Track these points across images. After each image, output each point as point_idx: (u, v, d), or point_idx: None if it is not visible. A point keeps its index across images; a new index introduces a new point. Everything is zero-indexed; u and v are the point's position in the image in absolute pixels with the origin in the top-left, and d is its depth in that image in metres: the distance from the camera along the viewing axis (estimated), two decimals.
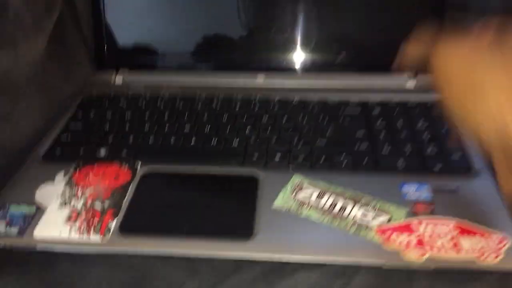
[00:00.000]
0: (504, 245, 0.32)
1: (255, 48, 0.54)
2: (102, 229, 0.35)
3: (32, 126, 0.48)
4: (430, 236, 0.33)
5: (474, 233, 0.33)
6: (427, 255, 0.32)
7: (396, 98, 0.49)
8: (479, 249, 0.32)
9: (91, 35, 0.57)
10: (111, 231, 0.35)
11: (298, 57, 0.54)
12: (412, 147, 0.42)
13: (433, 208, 0.36)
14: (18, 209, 0.38)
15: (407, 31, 0.51)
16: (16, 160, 0.44)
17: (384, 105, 0.48)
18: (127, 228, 0.36)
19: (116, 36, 0.55)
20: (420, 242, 0.33)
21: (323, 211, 0.36)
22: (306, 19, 0.53)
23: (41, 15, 0.51)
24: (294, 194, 0.38)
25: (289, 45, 0.53)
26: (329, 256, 0.33)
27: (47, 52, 0.51)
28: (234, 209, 0.37)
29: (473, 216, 0.34)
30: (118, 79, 0.55)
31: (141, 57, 0.56)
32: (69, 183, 0.40)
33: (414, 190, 0.37)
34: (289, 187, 0.38)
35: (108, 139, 0.45)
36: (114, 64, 0.56)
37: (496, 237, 0.33)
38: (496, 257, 0.32)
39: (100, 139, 0.45)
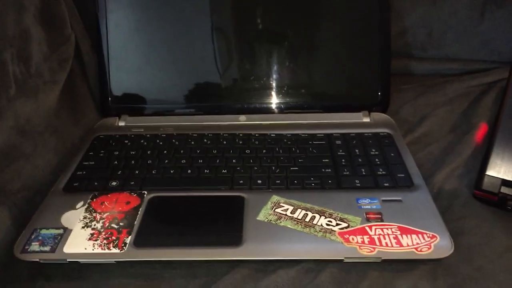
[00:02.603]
0: (434, 241, 0.42)
1: (237, 94, 0.64)
2: (119, 244, 0.44)
3: (49, 165, 0.55)
4: (379, 236, 0.43)
5: (412, 233, 0.43)
6: (376, 250, 0.42)
7: (354, 131, 0.60)
8: (416, 244, 0.42)
9: (96, 86, 0.66)
10: (127, 245, 0.44)
11: (274, 100, 0.64)
12: (366, 169, 0.52)
13: (381, 216, 0.45)
14: (48, 232, 0.45)
15: (362, 78, 0.63)
16: (38, 194, 0.52)
17: (344, 136, 0.58)
18: (140, 242, 0.44)
19: (118, 87, 0.64)
20: (371, 241, 0.42)
21: (296, 221, 0.45)
22: (279, 70, 0.63)
23: (57, 69, 0.59)
24: (273, 209, 0.47)
25: (265, 91, 0.63)
26: (303, 255, 0.43)
27: (60, 100, 0.60)
28: (225, 222, 0.46)
29: (411, 221, 0.44)
30: (121, 123, 0.64)
31: (139, 104, 0.64)
32: (88, 209, 0.48)
33: (367, 203, 0.47)
34: (269, 204, 0.48)
35: (117, 173, 0.53)
36: (116, 111, 0.65)
37: (428, 235, 0.43)
38: (429, 249, 0.41)
39: (111, 173, 0.53)
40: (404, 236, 0.43)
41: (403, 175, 0.51)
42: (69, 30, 0.62)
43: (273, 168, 0.53)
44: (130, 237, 0.44)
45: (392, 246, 0.42)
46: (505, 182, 0.47)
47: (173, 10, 0.63)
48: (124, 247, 0.43)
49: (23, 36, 0.54)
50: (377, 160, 0.54)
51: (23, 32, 0.54)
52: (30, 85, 0.55)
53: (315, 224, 0.45)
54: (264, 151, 0.57)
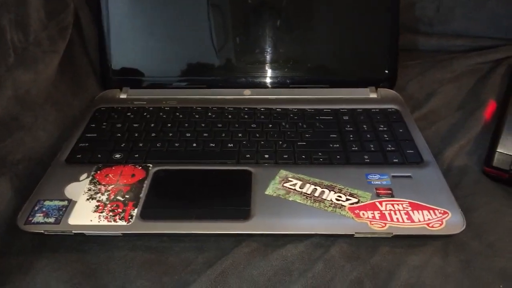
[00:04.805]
0: (446, 217, 0.42)
1: (242, 67, 0.63)
2: (126, 216, 0.43)
3: (50, 136, 0.54)
4: (389, 212, 0.42)
5: (423, 209, 0.43)
6: (387, 226, 0.41)
7: (361, 106, 0.59)
8: (427, 219, 0.42)
9: (97, 58, 0.64)
10: (134, 217, 0.43)
11: (279, 74, 0.62)
12: (375, 145, 0.51)
13: (391, 192, 0.45)
14: (52, 203, 0.45)
15: (369, 53, 0.62)
16: (40, 166, 0.50)
17: (351, 112, 0.58)
18: (146, 215, 0.43)
19: (119, 59, 0.62)
20: (382, 217, 0.42)
21: (305, 196, 0.45)
22: (286, 44, 0.62)
23: (56, 37, 0.57)
24: (281, 184, 0.46)
25: (270, 65, 0.62)
26: (312, 230, 0.42)
27: (59, 71, 0.58)
28: (233, 196, 0.45)
29: (422, 197, 0.44)
30: (123, 95, 0.62)
31: (141, 77, 0.63)
32: (93, 182, 0.47)
33: (377, 178, 0.47)
34: (277, 178, 0.47)
35: (121, 145, 0.52)
36: (118, 83, 0.63)
37: (439, 211, 0.42)
38: (440, 225, 0.41)
39: (114, 145, 0.52)
40: (415, 212, 0.42)
41: (412, 151, 0.50)
42: None
43: (280, 142, 0.53)
44: (136, 209, 0.44)
45: (403, 221, 0.41)
46: None
47: None
48: (130, 220, 0.42)
49: (20, 2, 0.52)
50: (385, 136, 0.53)
51: None
52: (29, 54, 0.53)
53: (325, 199, 0.44)
54: (270, 125, 0.56)
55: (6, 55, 0.49)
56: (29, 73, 0.53)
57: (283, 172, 0.48)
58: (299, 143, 0.52)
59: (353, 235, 0.42)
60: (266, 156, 0.50)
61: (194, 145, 0.52)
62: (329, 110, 0.58)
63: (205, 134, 0.54)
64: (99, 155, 0.51)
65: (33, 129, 0.52)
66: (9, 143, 0.49)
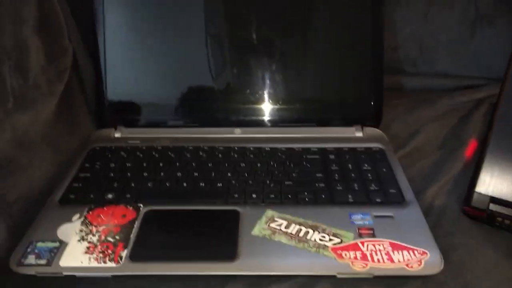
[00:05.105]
0: (424, 257, 0.43)
1: (232, 107, 0.65)
2: (115, 257, 0.44)
3: (45, 176, 0.56)
4: (371, 252, 0.44)
5: (403, 249, 0.44)
6: (369, 266, 0.43)
7: (347, 145, 0.61)
8: (407, 260, 0.43)
9: (92, 97, 0.66)
10: (123, 258, 0.44)
11: (268, 113, 0.65)
12: (359, 184, 0.53)
13: (373, 231, 0.46)
14: (44, 245, 0.46)
15: (355, 92, 0.64)
16: (34, 205, 0.52)
17: (337, 151, 0.59)
18: (136, 255, 0.44)
19: (114, 98, 0.65)
20: (363, 257, 0.43)
21: (290, 236, 0.46)
22: (275, 84, 0.64)
23: (54, 80, 0.59)
24: (267, 224, 0.48)
25: (260, 104, 0.65)
26: (296, 271, 0.43)
27: (56, 112, 0.60)
28: (221, 237, 0.46)
29: (402, 237, 0.45)
30: (117, 134, 0.64)
31: (136, 116, 0.65)
32: (84, 222, 0.48)
33: (360, 218, 0.48)
34: (263, 219, 0.48)
35: (113, 185, 0.54)
36: (113, 122, 0.65)
37: (418, 251, 0.44)
38: (419, 265, 0.43)
39: (107, 185, 0.54)
40: (395, 252, 0.44)
41: (394, 190, 0.52)
42: (67, 41, 0.62)
43: (268, 182, 0.54)
44: (126, 250, 0.45)
45: (384, 262, 0.43)
46: (493, 199, 0.48)
47: (170, 23, 0.64)
48: (120, 261, 0.44)
49: (21, 48, 0.55)
50: (369, 175, 0.55)
51: (21, 44, 0.55)
52: (27, 97, 0.55)
53: (309, 239, 0.46)
54: (259, 164, 0.57)
55: (5, 100, 0.51)
56: (27, 115, 0.55)
57: (269, 212, 0.49)
58: (286, 183, 0.54)
59: (335, 276, 0.43)
60: (254, 195, 0.52)
61: (185, 184, 0.54)
62: (316, 149, 0.60)
63: (195, 174, 0.56)
64: (91, 195, 0.52)
65: (29, 169, 0.54)
66: (5, 184, 0.50)
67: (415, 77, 0.77)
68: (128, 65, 0.65)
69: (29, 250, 0.45)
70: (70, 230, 0.48)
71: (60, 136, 0.61)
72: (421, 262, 0.43)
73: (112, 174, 0.56)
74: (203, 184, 0.54)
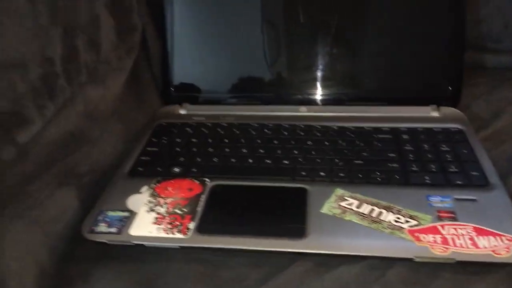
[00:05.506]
0: None
1: (299, 84, 0.63)
2: (183, 229, 0.44)
3: (115, 149, 0.57)
4: (452, 236, 0.40)
5: (489, 234, 0.40)
6: (450, 251, 0.39)
7: (422, 125, 0.57)
8: (493, 246, 0.39)
9: (159, 74, 0.67)
10: (191, 230, 0.44)
11: (336, 91, 0.62)
12: (436, 165, 0.49)
13: (454, 215, 0.43)
14: (114, 214, 0.47)
15: (431, 69, 0.60)
16: (104, 177, 0.53)
17: (412, 131, 0.56)
18: (204, 228, 0.44)
19: (180, 75, 0.65)
20: (444, 241, 0.40)
21: (362, 216, 0.44)
22: (342, 60, 0.62)
23: (124, 57, 0.61)
24: (337, 203, 0.46)
25: (328, 82, 0.62)
26: (369, 252, 0.41)
27: (125, 87, 0.61)
28: (288, 214, 0.45)
29: (488, 222, 0.41)
30: (182, 111, 0.65)
31: (201, 93, 0.65)
32: (153, 194, 0.49)
33: (439, 201, 0.45)
34: (333, 197, 0.46)
35: (180, 160, 0.54)
36: (178, 98, 0.65)
37: (506, 237, 0.40)
38: (507, 252, 0.39)
39: (173, 160, 0.54)
40: (480, 237, 0.40)
41: (477, 173, 0.48)
42: (137, 19, 0.63)
43: (336, 160, 0.52)
44: (193, 223, 0.45)
45: (467, 247, 0.39)
46: None
47: (236, 3, 0.63)
48: (188, 233, 0.44)
49: (94, 24, 0.56)
50: (448, 156, 0.51)
51: (94, 20, 0.56)
52: (99, 72, 0.56)
53: (383, 220, 0.43)
54: (326, 143, 0.55)
55: (79, 73, 0.53)
56: (99, 90, 0.56)
57: (339, 191, 0.47)
58: (355, 162, 0.52)
59: (412, 259, 0.40)
60: (322, 174, 0.50)
61: (250, 161, 0.53)
62: (388, 129, 0.57)
63: (261, 150, 0.55)
64: (159, 169, 0.53)
65: (100, 142, 0.55)
66: (77, 156, 0.52)
67: (499, 54, 0.71)
68: (194, 44, 0.65)
69: (100, 218, 0.46)
70: (139, 201, 0.48)
71: (129, 111, 0.62)
72: (509, 249, 0.39)
73: (178, 149, 0.56)
74: (269, 161, 0.53)
